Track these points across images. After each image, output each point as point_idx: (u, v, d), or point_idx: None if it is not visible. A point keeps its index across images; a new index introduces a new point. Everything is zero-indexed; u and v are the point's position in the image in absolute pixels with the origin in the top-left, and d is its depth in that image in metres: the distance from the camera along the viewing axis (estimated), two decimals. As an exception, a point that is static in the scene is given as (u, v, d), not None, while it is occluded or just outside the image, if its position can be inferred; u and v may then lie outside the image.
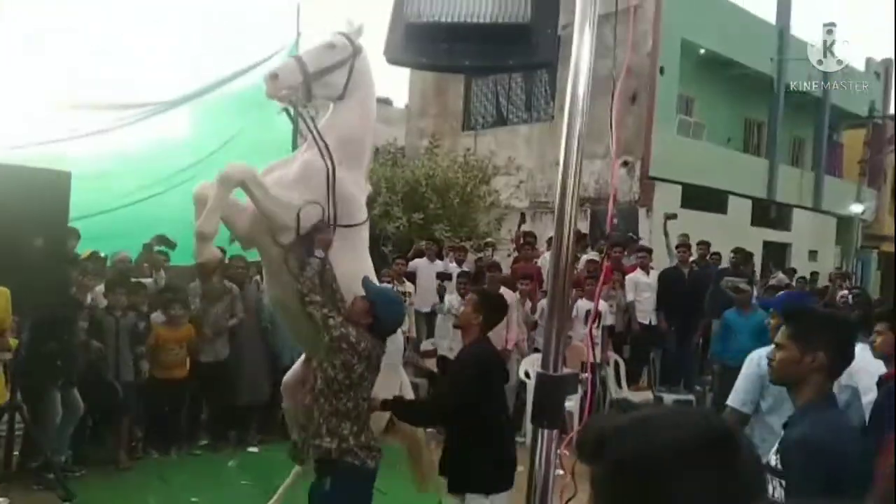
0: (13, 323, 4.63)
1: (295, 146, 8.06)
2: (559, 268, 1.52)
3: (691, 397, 8.55)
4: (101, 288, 5.85)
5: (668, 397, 8.33)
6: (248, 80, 7.63)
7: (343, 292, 3.66)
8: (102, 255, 6.23)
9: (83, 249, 6.03)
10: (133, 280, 6.13)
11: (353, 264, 3.79)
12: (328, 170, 3.61)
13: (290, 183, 3.70)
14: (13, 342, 4.63)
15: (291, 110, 3.70)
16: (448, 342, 7.13)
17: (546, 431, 1.41)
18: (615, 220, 14.27)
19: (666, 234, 10.24)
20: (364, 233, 4.01)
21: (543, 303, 7.79)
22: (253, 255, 7.49)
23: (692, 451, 0.79)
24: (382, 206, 10.27)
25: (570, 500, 1.36)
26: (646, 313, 8.61)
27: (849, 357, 2.15)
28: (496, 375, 3.56)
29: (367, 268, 4.01)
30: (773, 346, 2.25)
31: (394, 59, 1.57)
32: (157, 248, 6.56)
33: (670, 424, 0.82)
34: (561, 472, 1.41)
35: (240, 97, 7.66)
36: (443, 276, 8.22)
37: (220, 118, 7.83)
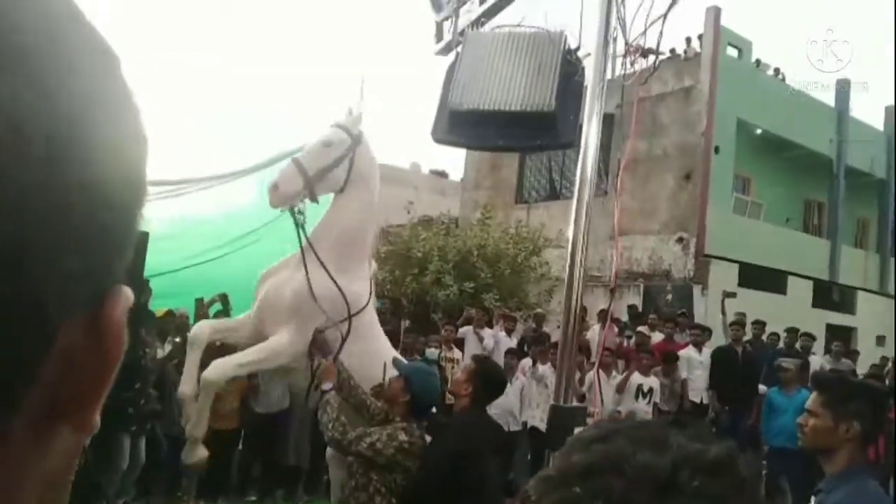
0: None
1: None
2: (568, 315, 1.66)
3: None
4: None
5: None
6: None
7: (362, 378, 3.57)
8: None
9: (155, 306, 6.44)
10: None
11: (365, 348, 3.71)
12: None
13: (283, 314, 3.66)
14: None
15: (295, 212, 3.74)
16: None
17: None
18: (669, 297, 14.15)
19: (724, 313, 10.13)
20: (369, 314, 3.92)
21: (591, 375, 7.78)
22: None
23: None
24: (434, 273, 10.51)
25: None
26: (697, 391, 8.51)
27: (882, 425, 2.14)
28: (477, 454, 3.08)
29: (382, 346, 3.96)
30: (804, 413, 2.24)
31: (439, 139, 1.78)
32: (213, 305, 6.91)
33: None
34: None
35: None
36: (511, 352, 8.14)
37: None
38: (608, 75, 2.00)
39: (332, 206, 3.91)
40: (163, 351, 6.21)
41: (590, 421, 1.59)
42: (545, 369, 7.41)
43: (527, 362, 7.55)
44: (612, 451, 0.62)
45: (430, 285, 10.48)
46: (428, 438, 3.27)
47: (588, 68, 1.70)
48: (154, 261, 6.04)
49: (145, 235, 5.45)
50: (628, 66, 1.93)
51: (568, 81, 1.53)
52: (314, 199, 3.78)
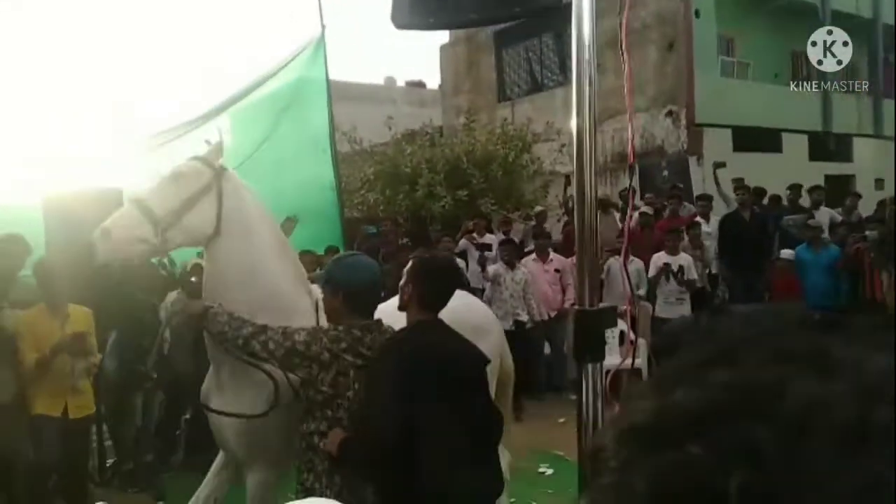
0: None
1: (333, 143, 8.15)
2: (584, 211, 1.50)
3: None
4: (171, 295, 6.01)
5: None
6: (280, 80, 7.71)
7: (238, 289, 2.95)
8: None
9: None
10: None
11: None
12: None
13: None
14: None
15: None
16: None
17: (590, 365, 1.40)
18: (665, 173, 13.95)
19: (717, 183, 9.99)
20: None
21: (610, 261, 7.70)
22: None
23: None
24: (425, 187, 10.28)
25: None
26: (708, 262, 8.44)
27: None
28: (431, 374, 2.38)
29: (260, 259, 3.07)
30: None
31: (402, 23, 1.54)
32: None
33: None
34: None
35: (272, 98, 7.75)
36: (482, 247, 8.08)
37: (256, 121, 7.95)
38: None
39: (207, 259, 3.09)
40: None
41: (620, 323, 1.46)
42: (496, 268, 7.29)
43: (527, 259, 7.43)
44: (746, 381, 0.37)
45: (424, 199, 10.27)
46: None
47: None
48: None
49: (119, 193, 5.25)
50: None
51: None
52: (165, 252, 3.13)
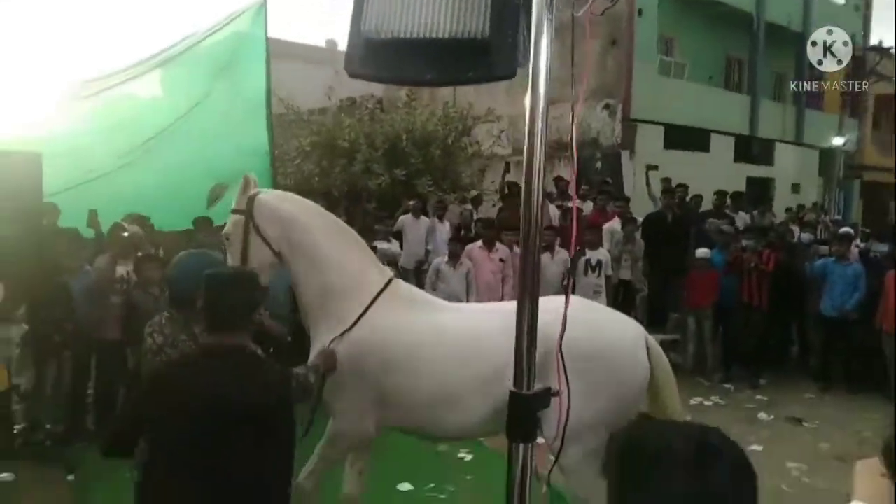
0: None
1: (269, 107, 7.93)
2: (525, 285, 1.53)
3: (677, 337, 8.75)
4: (102, 260, 5.80)
5: (655, 338, 8.51)
6: (218, 38, 7.41)
7: None
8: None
9: (65, 224, 5.98)
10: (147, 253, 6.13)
11: None
12: None
13: None
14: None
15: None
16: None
17: (521, 445, 1.47)
18: (598, 165, 14.28)
19: (648, 184, 10.36)
20: None
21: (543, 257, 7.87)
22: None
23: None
24: (363, 162, 10.19)
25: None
26: (636, 257, 8.73)
27: None
28: (167, 405, 2.23)
29: None
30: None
31: (355, 73, 1.55)
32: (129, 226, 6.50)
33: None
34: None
35: (210, 57, 7.45)
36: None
37: (191, 79, 7.63)
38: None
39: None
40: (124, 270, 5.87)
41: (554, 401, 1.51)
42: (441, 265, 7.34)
43: (473, 246, 7.49)
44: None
45: (361, 175, 10.18)
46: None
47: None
48: (59, 177, 5.60)
49: (36, 156, 5.03)
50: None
51: (504, 2, 1.33)
52: None
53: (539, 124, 1.53)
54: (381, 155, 10.34)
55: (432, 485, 4.93)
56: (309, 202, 3.58)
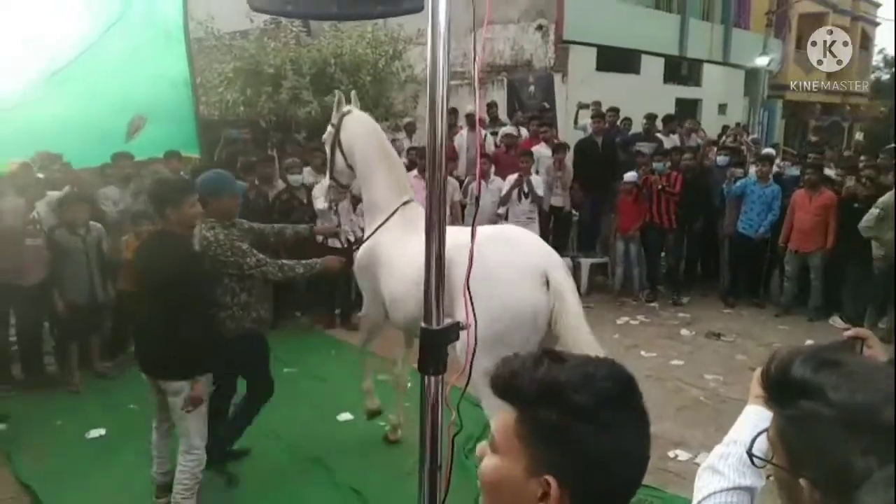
0: None
1: (186, 33, 7.48)
2: (433, 221, 1.52)
3: (606, 259, 9.04)
4: (9, 203, 5.48)
5: (585, 261, 8.79)
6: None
7: None
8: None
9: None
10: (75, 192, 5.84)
11: None
12: None
13: None
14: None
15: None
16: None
17: (433, 378, 1.51)
18: (531, 89, 14.20)
19: (576, 122, 10.46)
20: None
21: (472, 186, 7.88)
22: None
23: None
24: (290, 90, 9.79)
25: (456, 434, 1.49)
26: (566, 183, 8.84)
27: None
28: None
29: None
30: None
31: (258, 6, 1.46)
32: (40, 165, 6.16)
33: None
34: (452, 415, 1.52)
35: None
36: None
37: (103, 2, 7.07)
38: None
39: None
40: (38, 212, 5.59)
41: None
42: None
43: (408, 175, 7.43)
44: None
45: (288, 103, 9.80)
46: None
47: None
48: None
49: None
50: None
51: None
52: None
53: (441, 52, 1.49)
54: (309, 81, 9.95)
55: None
56: (374, 125, 4.34)
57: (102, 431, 4.85)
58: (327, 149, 4.41)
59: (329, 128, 4.37)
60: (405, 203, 4.09)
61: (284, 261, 3.93)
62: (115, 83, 6.81)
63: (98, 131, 6.69)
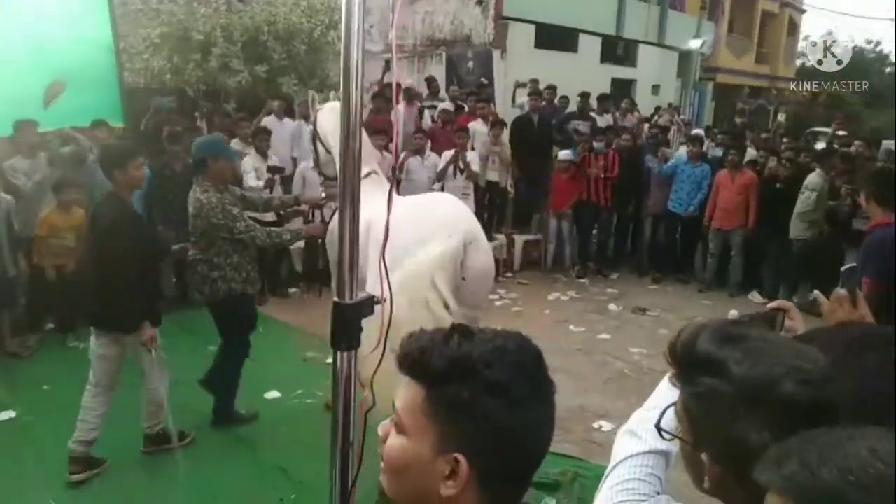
0: None
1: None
2: (346, 176, 1.48)
3: (539, 236, 9.16)
4: None
5: (519, 238, 8.89)
6: None
7: None
8: None
9: None
10: None
11: None
12: None
13: None
14: None
15: None
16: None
17: (345, 353, 1.49)
18: (470, 64, 14.16)
19: (514, 100, 10.49)
20: None
21: (409, 159, 7.80)
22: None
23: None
24: (220, 58, 9.46)
25: (369, 410, 1.49)
26: (504, 160, 8.86)
27: None
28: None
29: None
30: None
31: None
32: None
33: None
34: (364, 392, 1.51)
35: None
36: (274, 171, 7.52)
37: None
38: None
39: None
40: None
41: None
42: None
43: None
44: None
45: (217, 72, 9.48)
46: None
47: None
48: None
49: None
50: None
51: None
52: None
53: (355, 21, 1.44)
54: (240, 49, 9.63)
55: (300, 391, 5.01)
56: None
57: (12, 414, 4.63)
58: (313, 146, 4.77)
59: (310, 127, 4.81)
60: (366, 175, 4.09)
61: (272, 227, 4.32)
62: (33, 46, 6.43)
63: (10, 97, 6.31)
